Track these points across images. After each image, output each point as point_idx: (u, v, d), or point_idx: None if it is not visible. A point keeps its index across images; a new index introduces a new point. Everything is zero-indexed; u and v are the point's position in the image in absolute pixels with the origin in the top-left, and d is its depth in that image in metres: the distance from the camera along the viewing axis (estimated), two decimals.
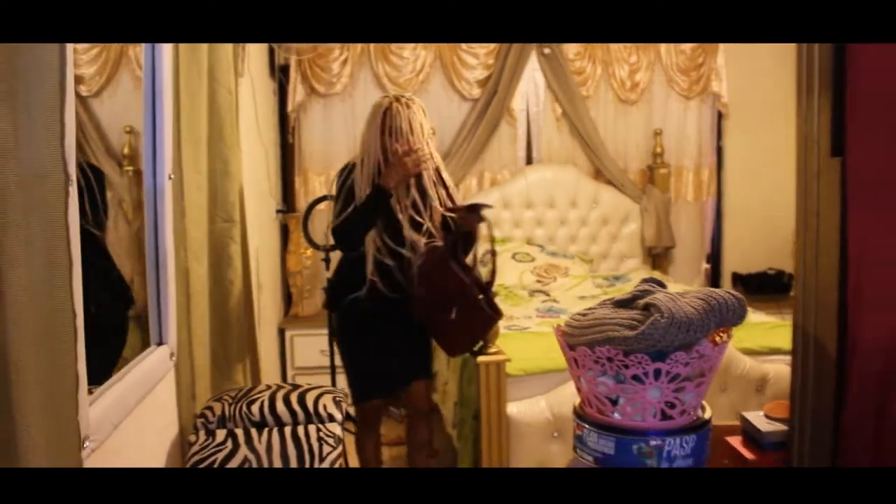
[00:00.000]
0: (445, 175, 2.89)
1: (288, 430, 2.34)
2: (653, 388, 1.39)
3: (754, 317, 3.79)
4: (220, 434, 2.32)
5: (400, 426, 3.25)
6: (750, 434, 1.82)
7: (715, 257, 5.34)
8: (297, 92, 4.69)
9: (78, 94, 2.16)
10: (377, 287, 2.75)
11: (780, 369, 3.13)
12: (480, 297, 2.77)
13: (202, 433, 2.34)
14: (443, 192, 2.84)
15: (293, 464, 2.26)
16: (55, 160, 1.29)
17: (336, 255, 3.09)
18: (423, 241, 2.74)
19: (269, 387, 2.61)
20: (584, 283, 4.56)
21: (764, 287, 5.00)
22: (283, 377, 4.52)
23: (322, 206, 3.71)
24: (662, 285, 1.52)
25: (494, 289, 2.87)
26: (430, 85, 4.80)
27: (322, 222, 4.04)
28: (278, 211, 4.59)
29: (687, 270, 5.20)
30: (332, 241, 2.88)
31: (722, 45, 5.05)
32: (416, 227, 2.75)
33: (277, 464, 2.26)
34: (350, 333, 2.95)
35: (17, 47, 1.18)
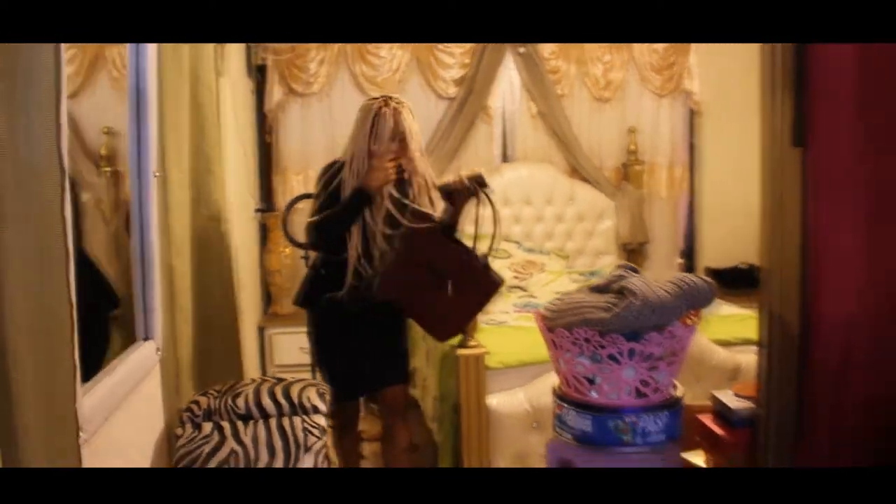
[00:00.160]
0: (431, 179, 2.88)
1: (273, 421, 2.39)
2: (628, 368, 1.46)
3: (727, 309, 3.89)
4: (207, 427, 2.36)
5: (379, 422, 3.24)
6: (721, 412, 1.90)
7: (689, 252, 5.43)
8: (274, 91, 4.72)
9: None
10: (358, 290, 2.77)
11: (752, 359, 3.15)
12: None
13: (189, 426, 2.38)
14: (425, 199, 2.84)
15: (280, 455, 2.31)
16: (51, 156, 1.33)
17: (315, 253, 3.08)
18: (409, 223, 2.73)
19: (253, 380, 2.65)
20: (560, 278, 4.63)
21: (736, 281, 5.09)
22: (264, 375, 4.54)
23: (301, 204, 3.74)
24: (636, 271, 1.60)
25: None
26: (407, 84, 4.84)
27: (302, 221, 4.07)
28: (257, 210, 4.61)
29: (661, 265, 5.29)
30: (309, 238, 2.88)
31: (693, 45, 5.15)
32: (390, 240, 2.76)
33: (264, 455, 2.30)
34: (328, 334, 2.96)
35: (14, 48, 1.22)
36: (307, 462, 2.35)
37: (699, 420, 1.92)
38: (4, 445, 1.20)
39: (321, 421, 2.43)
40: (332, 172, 2.84)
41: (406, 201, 2.79)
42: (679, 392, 1.57)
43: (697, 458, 1.91)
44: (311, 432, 2.37)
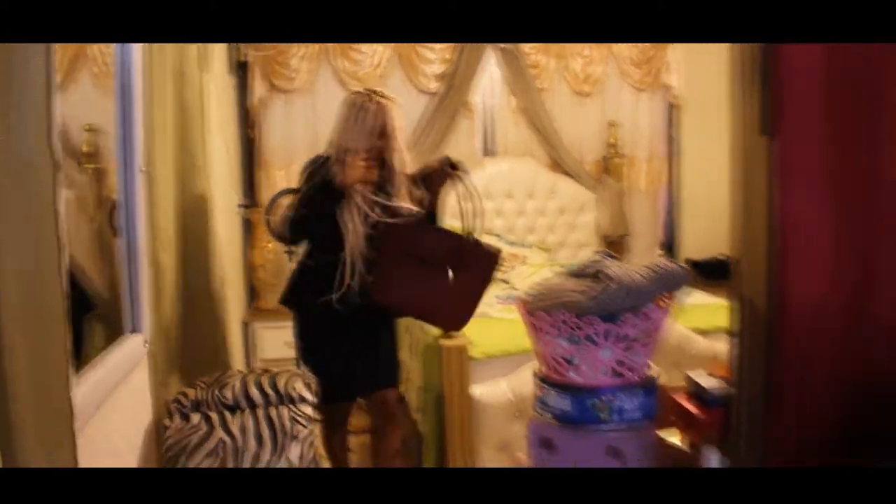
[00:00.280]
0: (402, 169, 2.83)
1: (261, 411, 2.43)
2: (604, 348, 1.52)
3: (706, 299, 3.97)
4: (195, 417, 2.39)
5: (366, 415, 3.23)
6: (695, 392, 1.96)
7: (669, 244, 5.51)
8: (256, 88, 4.74)
9: None
10: (350, 292, 2.73)
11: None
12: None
13: (177, 417, 2.41)
14: (407, 196, 2.79)
15: (267, 444, 2.35)
16: (44, 150, 1.37)
17: (300, 251, 3.05)
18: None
19: (240, 372, 2.69)
20: (542, 271, 4.68)
21: (715, 271, 5.15)
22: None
23: (285, 199, 3.77)
24: (613, 256, 1.65)
25: None
26: (389, 79, 4.87)
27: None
28: (240, 205, 4.63)
29: (642, 257, 5.33)
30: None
31: None
32: (371, 241, 2.71)
33: (252, 444, 2.34)
34: (318, 336, 2.91)
35: (7, 48, 1.26)
36: (294, 451, 2.39)
37: (674, 400, 1.99)
38: (1, 440, 1.23)
39: (308, 410, 2.48)
40: (315, 167, 2.84)
41: (377, 198, 2.74)
42: (654, 372, 1.63)
43: (673, 437, 1.97)
44: (297, 421, 2.41)
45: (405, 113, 4.79)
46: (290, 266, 3.56)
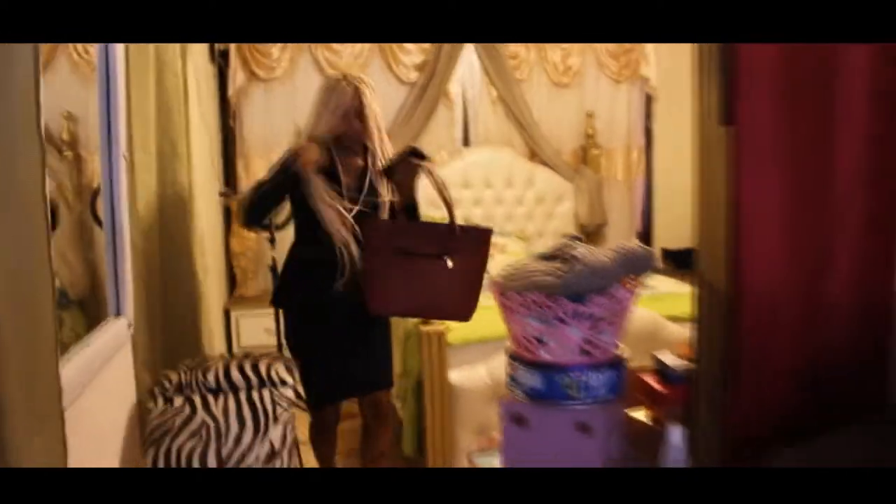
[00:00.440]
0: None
1: (243, 394, 2.47)
2: (573, 328, 1.59)
3: (681, 287, 4.05)
4: (178, 400, 2.44)
5: (352, 403, 3.21)
6: (660, 370, 2.04)
7: (646, 234, 5.59)
8: (237, 76, 4.76)
9: None
10: (350, 289, 2.65)
11: None
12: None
13: (161, 400, 2.46)
14: (384, 181, 2.73)
15: (249, 425, 2.40)
16: (32, 138, 1.41)
17: (285, 245, 2.99)
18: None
19: (222, 356, 2.74)
20: (520, 259, 4.74)
21: (690, 261, 5.25)
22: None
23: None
24: (581, 240, 1.73)
25: None
26: (369, 69, 4.90)
27: None
28: (221, 193, 4.66)
29: None
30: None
31: None
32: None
33: (234, 426, 2.39)
34: (312, 337, 2.83)
35: None
36: (275, 433, 2.45)
37: (641, 378, 2.07)
38: None
39: (289, 393, 2.53)
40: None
41: (334, 191, 2.67)
42: (622, 351, 1.70)
43: (640, 414, 2.05)
44: (279, 404, 2.46)
45: (385, 102, 4.89)
46: (271, 254, 3.61)
